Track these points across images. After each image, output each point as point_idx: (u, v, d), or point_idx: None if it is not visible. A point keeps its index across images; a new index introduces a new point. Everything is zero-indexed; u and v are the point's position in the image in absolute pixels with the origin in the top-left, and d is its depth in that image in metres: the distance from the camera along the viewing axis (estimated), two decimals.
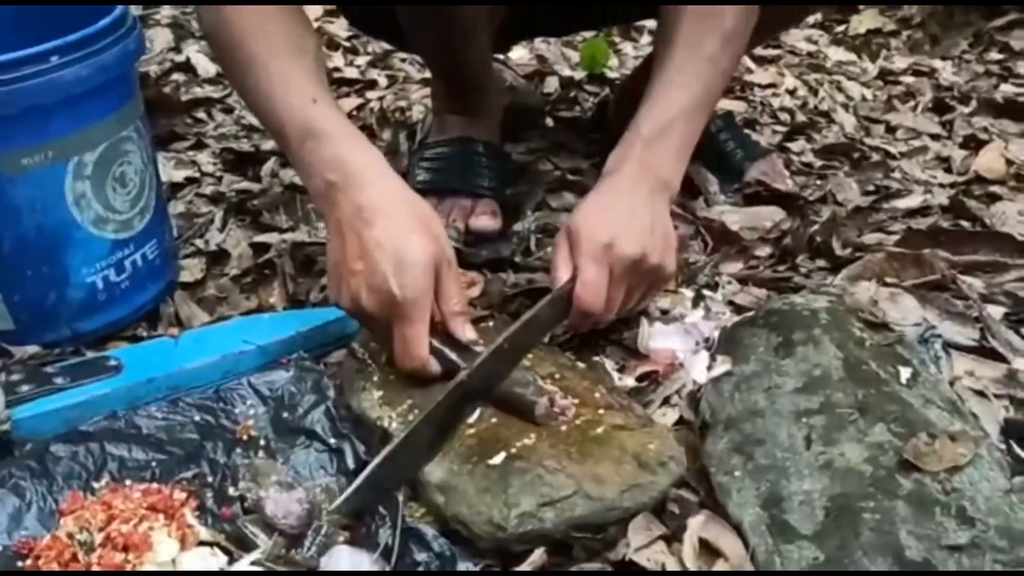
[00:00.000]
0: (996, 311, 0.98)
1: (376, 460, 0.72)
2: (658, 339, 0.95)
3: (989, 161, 1.39)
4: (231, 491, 0.76)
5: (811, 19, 2.02)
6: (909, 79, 1.81)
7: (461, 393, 0.77)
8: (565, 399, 0.80)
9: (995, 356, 0.91)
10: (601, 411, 0.80)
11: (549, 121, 1.54)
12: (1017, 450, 0.80)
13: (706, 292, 1.04)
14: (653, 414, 0.86)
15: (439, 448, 0.76)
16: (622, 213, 0.88)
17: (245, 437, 0.81)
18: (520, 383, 0.80)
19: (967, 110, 1.62)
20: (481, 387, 0.79)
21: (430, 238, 0.81)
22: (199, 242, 1.12)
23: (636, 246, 0.86)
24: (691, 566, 0.69)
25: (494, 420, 0.79)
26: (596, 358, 0.94)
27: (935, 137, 1.53)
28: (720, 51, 0.95)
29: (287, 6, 0.92)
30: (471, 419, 0.79)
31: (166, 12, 1.83)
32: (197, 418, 0.82)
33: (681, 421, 0.86)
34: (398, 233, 0.80)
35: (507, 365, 0.81)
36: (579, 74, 1.73)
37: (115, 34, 0.89)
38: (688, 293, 1.04)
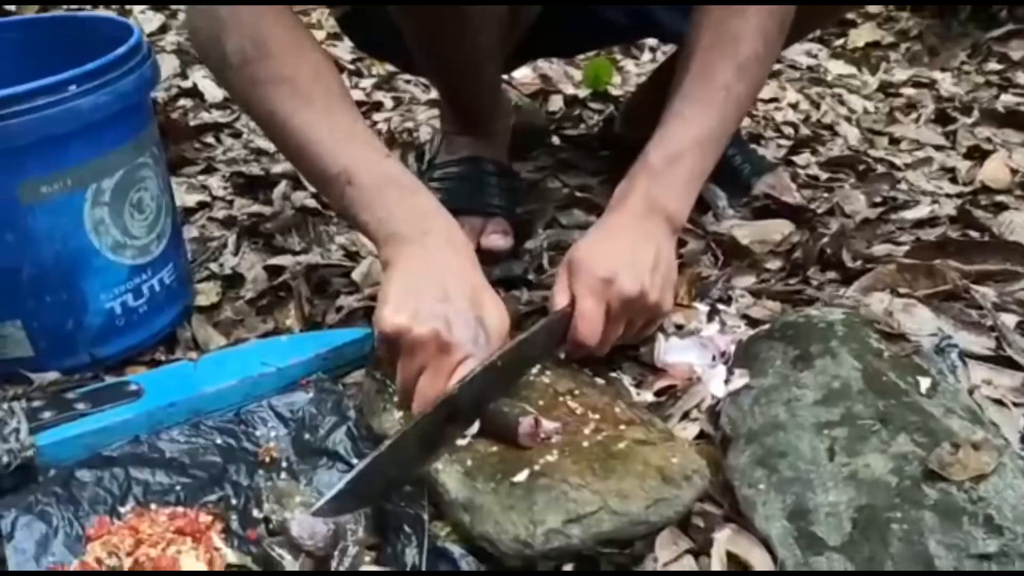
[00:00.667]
0: (1010, 320, 0.99)
1: (360, 466, 0.72)
2: (674, 354, 0.96)
3: (994, 171, 1.40)
4: (256, 513, 0.76)
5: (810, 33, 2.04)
6: (910, 91, 1.82)
7: (450, 407, 0.77)
8: (552, 422, 0.79)
9: (1012, 364, 0.92)
10: (622, 426, 0.80)
11: (555, 139, 1.55)
12: None
13: (720, 306, 1.04)
14: (673, 428, 0.86)
15: (426, 460, 0.76)
16: (624, 249, 0.88)
17: (267, 459, 0.81)
18: (505, 403, 0.80)
19: (969, 121, 1.63)
20: (471, 403, 0.78)
21: (503, 309, 0.85)
22: (213, 266, 1.13)
23: (636, 284, 0.87)
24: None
25: None
26: (613, 374, 0.94)
27: (939, 148, 1.54)
28: (735, 80, 0.94)
29: (324, 49, 0.92)
30: (467, 435, 0.79)
31: (171, 39, 1.84)
32: (219, 441, 0.82)
33: (702, 435, 0.86)
34: (488, 298, 0.84)
35: (500, 383, 0.81)
36: (582, 92, 1.74)
37: (131, 62, 0.90)
38: (702, 307, 1.04)
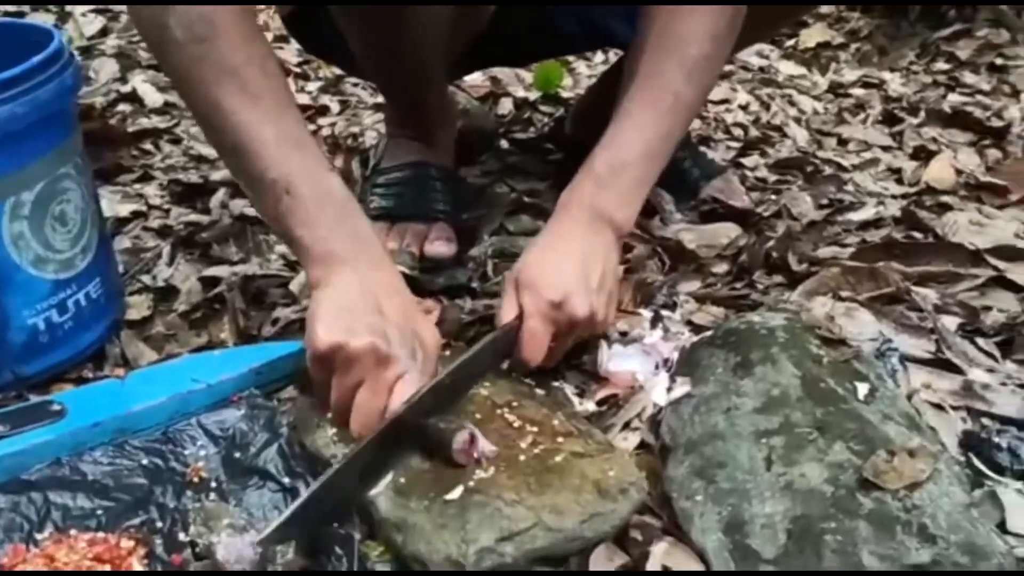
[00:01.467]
0: (951, 322, 0.99)
1: (308, 492, 0.71)
2: (617, 361, 0.95)
3: (939, 171, 1.41)
4: (182, 536, 0.74)
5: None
6: (859, 91, 1.83)
7: (398, 427, 0.75)
8: (490, 445, 0.76)
9: (951, 368, 0.92)
10: (560, 439, 0.79)
11: (504, 143, 1.54)
12: (976, 462, 0.80)
13: (664, 312, 1.03)
14: (614, 438, 0.85)
15: (374, 482, 0.74)
16: (573, 267, 0.88)
17: (196, 479, 0.79)
18: (443, 419, 0.78)
19: (916, 121, 1.64)
20: (417, 420, 0.77)
21: (435, 329, 0.85)
22: (146, 278, 1.10)
23: (585, 308, 0.87)
24: None
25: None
26: (556, 383, 0.93)
27: (886, 149, 1.55)
28: (684, 83, 0.93)
29: (271, 48, 0.88)
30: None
31: (111, 42, 1.80)
32: (145, 461, 0.80)
33: (642, 445, 0.85)
34: (421, 318, 0.84)
35: (448, 401, 0.80)
36: (533, 95, 1.73)
37: (51, 70, 0.86)
38: (646, 314, 1.03)
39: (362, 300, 0.79)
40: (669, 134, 0.95)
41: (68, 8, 1.94)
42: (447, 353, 0.90)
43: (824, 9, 2.22)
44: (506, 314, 0.88)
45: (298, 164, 0.82)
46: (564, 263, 0.88)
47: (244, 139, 0.82)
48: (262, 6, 1.79)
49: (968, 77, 1.87)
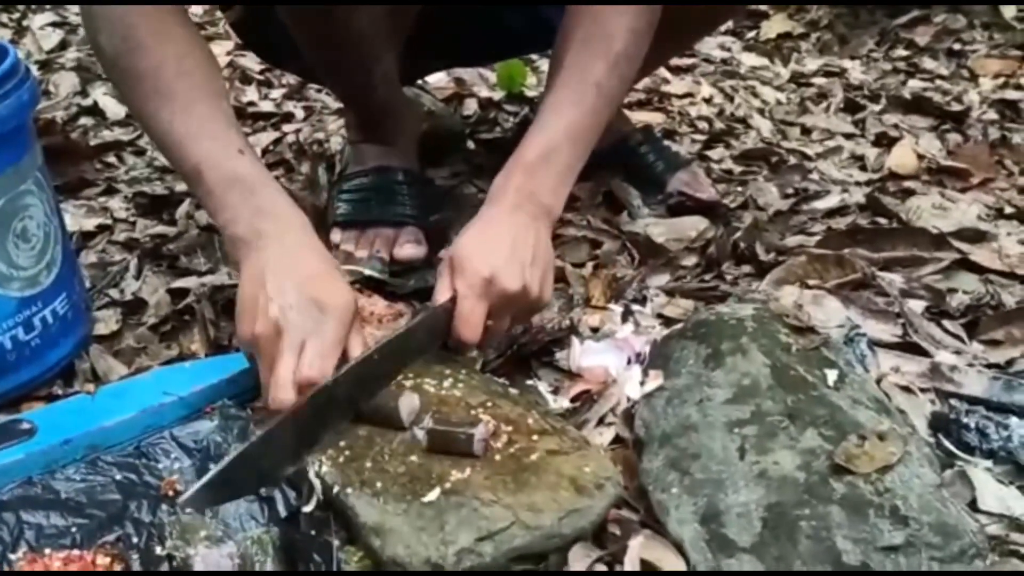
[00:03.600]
0: (917, 305, 1.00)
1: (231, 456, 0.74)
2: (590, 357, 0.95)
3: (901, 157, 1.43)
4: (159, 551, 0.73)
5: (723, 26, 2.06)
6: (820, 80, 1.85)
7: (327, 397, 0.78)
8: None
9: (918, 351, 0.93)
10: (535, 437, 0.79)
11: (470, 144, 1.54)
12: (945, 443, 0.81)
13: (635, 307, 1.04)
14: (589, 434, 0.85)
15: (302, 452, 0.77)
16: (503, 246, 0.89)
17: (171, 492, 0.78)
18: (454, 416, 0.80)
19: (877, 108, 1.66)
20: (348, 394, 0.80)
21: (347, 290, 0.86)
22: (114, 292, 1.09)
23: (517, 281, 0.88)
24: None
25: (418, 457, 0.77)
26: (529, 382, 0.94)
27: (849, 136, 1.57)
28: (607, 76, 0.97)
29: (198, 42, 0.92)
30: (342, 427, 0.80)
31: (71, 55, 1.78)
32: (119, 477, 0.79)
33: (617, 439, 0.86)
34: (324, 283, 0.84)
35: (378, 375, 0.83)
36: (498, 95, 1.73)
37: (6, 86, 0.85)
38: (617, 308, 1.04)
39: (262, 286, 0.82)
40: (594, 123, 0.99)
41: (26, 22, 1.92)
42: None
43: None
44: (440, 296, 0.90)
45: (205, 153, 0.87)
46: (495, 243, 0.90)
47: (163, 137, 0.89)
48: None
49: (927, 63, 1.90)
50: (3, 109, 0.84)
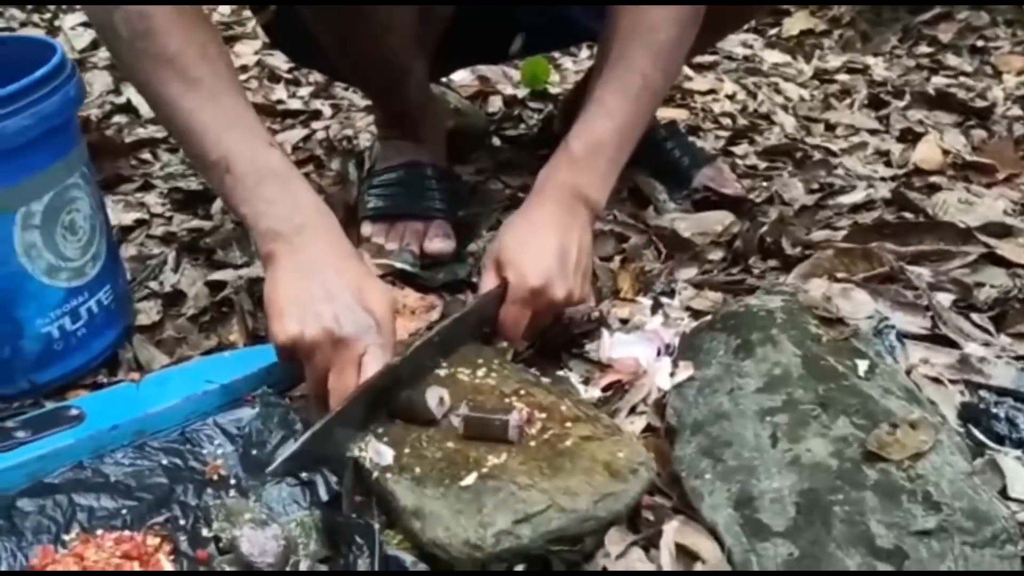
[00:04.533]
0: (945, 298, 1.01)
1: (311, 431, 0.77)
2: (620, 348, 0.97)
3: (926, 153, 1.43)
4: (205, 532, 0.75)
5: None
6: (844, 77, 1.86)
7: (393, 377, 0.81)
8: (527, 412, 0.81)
9: (947, 343, 0.94)
10: (569, 424, 0.81)
11: (495, 140, 1.55)
12: (975, 433, 0.82)
13: (663, 299, 1.05)
14: (621, 423, 0.87)
15: (367, 425, 0.80)
16: (550, 252, 0.91)
17: (215, 477, 0.80)
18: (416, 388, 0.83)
19: (902, 104, 1.67)
20: (410, 374, 0.83)
21: (387, 289, 0.87)
22: (153, 284, 1.11)
23: (563, 291, 0.91)
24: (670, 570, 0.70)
25: (454, 443, 0.79)
26: (560, 372, 0.95)
27: (873, 132, 1.57)
28: (652, 68, 0.98)
29: (216, 32, 0.91)
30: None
31: (103, 55, 1.81)
32: (165, 461, 0.81)
33: (649, 428, 0.87)
34: (369, 285, 0.84)
35: (436, 357, 0.87)
36: (521, 92, 1.75)
37: (55, 82, 0.88)
38: (646, 301, 1.05)
39: (309, 284, 0.82)
40: (639, 116, 1.00)
41: (57, 23, 1.95)
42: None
43: None
44: (487, 285, 0.93)
45: (235, 142, 0.86)
46: (542, 248, 0.92)
47: (186, 124, 0.86)
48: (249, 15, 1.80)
49: (951, 59, 1.90)
50: (52, 105, 0.86)
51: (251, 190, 0.86)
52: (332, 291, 0.82)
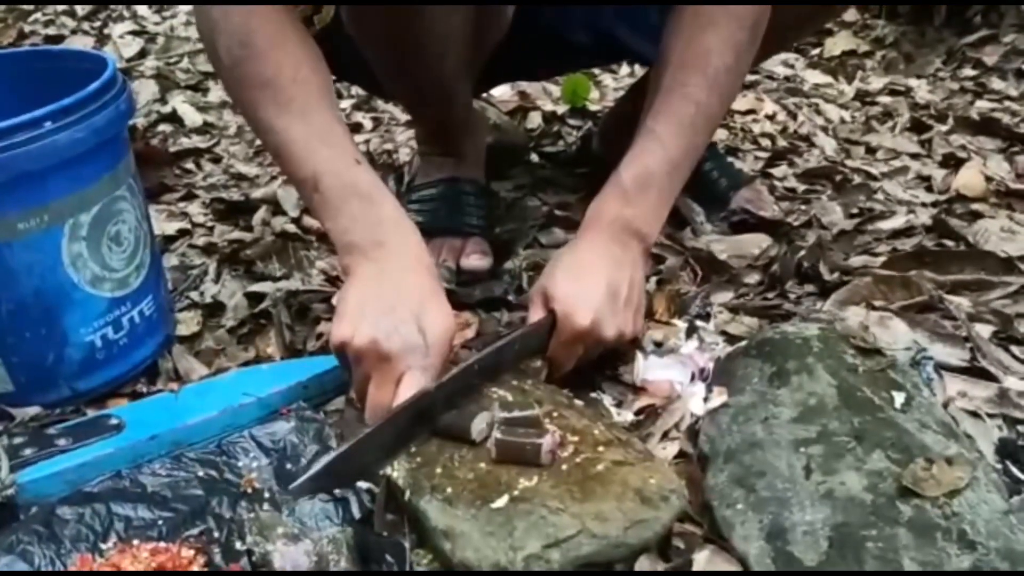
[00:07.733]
0: (984, 330, 1.00)
1: (337, 451, 0.78)
2: (654, 371, 0.96)
3: (969, 179, 1.41)
4: (238, 545, 0.76)
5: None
6: (886, 99, 1.84)
7: (427, 403, 0.81)
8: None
9: (986, 376, 0.93)
10: (601, 448, 0.81)
11: (534, 157, 1.56)
12: (1013, 470, 0.81)
13: (699, 323, 1.05)
14: (653, 448, 0.86)
15: (398, 451, 0.80)
16: (599, 292, 0.90)
17: (249, 490, 0.81)
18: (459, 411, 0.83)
19: (944, 128, 1.65)
20: (445, 401, 0.83)
21: (450, 314, 0.87)
22: (194, 294, 1.13)
23: (613, 329, 0.91)
24: None
25: (486, 464, 0.79)
26: (593, 394, 0.95)
27: (915, 156, 1.55)
28: (706, 95, 0.96)
29: (313, 48, 0.93)
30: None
31: (150, 63, 1.85)
32: (201, 473, 0.82)
33: (681, 454, 0.87)
34: (431, 306, 0.85)
35: (475, 385, 0.86)
36: (561, 108, 1.75)
37: (106, 96, 0.90)
38: (681, 324, 1.05)
39: (377, 296, 0.84)
40: (692, 146, 0.98)
41: (107, 31, 1.99)
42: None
43: (848, 17, 2.23)
44: (534, 318, 0.92)
45: (323, 162, 0.89)
46: (593, 282, 0.91)
47: (280, 143, 0.90)
48: None
49: (995, 83, 1.88)
50: (102, 119, 0.88)
51: (337, 207, 0.89)
52: (393, 304, 0.83)
